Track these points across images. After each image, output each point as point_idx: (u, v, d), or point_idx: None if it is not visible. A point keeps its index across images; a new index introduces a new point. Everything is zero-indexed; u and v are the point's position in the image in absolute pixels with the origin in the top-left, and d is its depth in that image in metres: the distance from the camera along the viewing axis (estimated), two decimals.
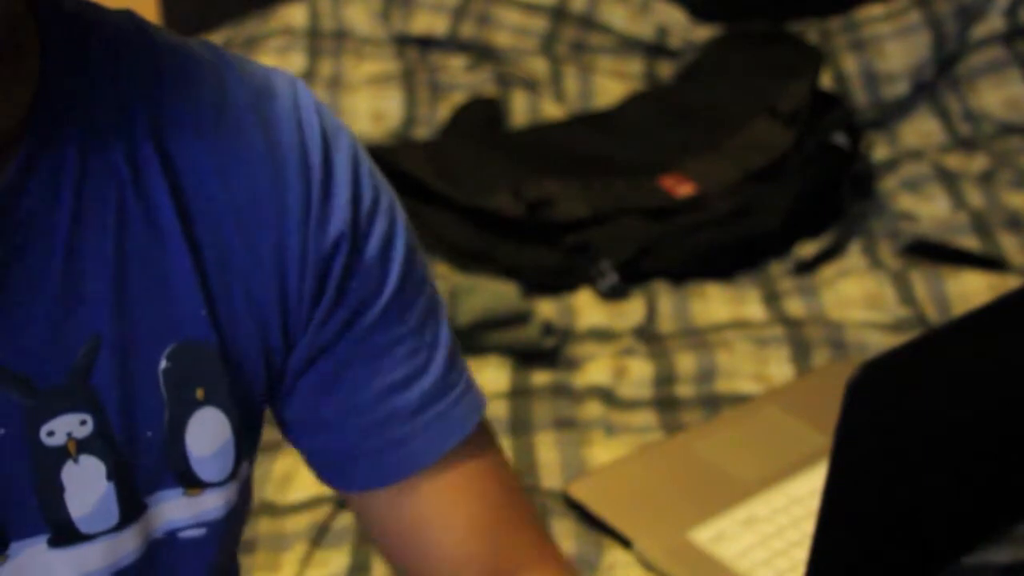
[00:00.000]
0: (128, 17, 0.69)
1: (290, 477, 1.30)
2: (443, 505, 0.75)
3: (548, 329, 1.51)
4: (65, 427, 0.65)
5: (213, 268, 0.68)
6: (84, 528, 0.67)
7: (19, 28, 0.63)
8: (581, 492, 1.24)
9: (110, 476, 0.67)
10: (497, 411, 1.39)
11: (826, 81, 1.98)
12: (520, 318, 1.49)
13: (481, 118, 1.94)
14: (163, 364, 0.67)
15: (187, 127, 0.67)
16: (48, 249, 0.64)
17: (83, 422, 0.66)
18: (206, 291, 0.67)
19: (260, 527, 1.24)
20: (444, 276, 1.66)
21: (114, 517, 0.68)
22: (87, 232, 0.65)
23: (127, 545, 0.69)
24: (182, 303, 0.67)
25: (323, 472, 0.76)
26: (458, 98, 1.99)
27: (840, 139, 1.83)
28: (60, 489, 0.66)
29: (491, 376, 1.45)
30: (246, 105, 0.69)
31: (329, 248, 0.70)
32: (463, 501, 0.75)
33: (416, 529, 0.75)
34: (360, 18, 2.09)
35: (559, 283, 1.65)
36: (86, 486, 0.66)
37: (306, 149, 0.69)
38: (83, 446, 0.66)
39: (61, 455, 0.66)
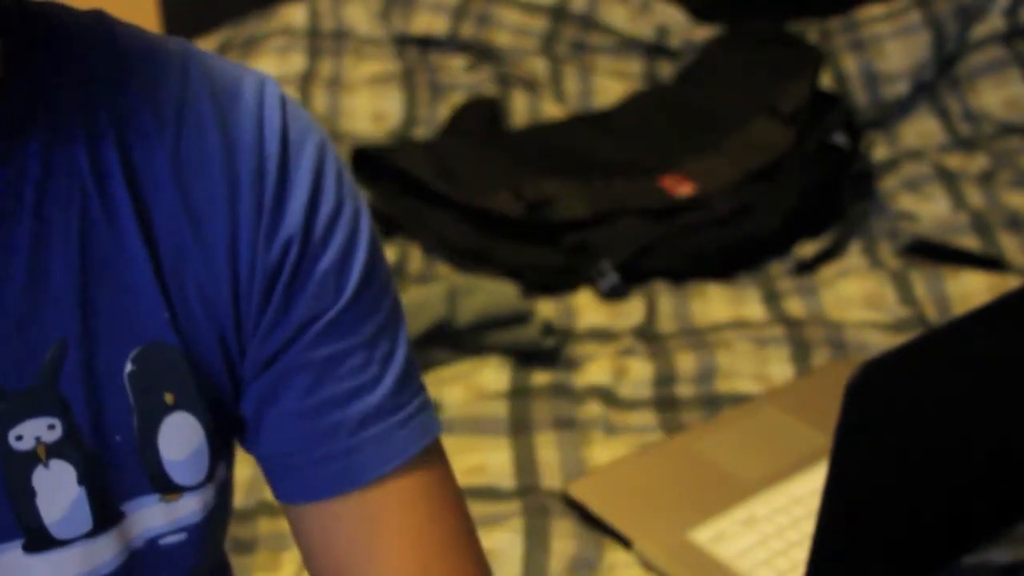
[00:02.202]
0: (96, 16, 0.69)
1: None
2: (373, 533, 0.72)
3: (548, 329, 1.51)
4: (33, 431, 0.65)
5: (171, 272, 0.67)
6: (57, 533, 0.66)
7: None
8: (581, 492, 1.24)
9: (81, 481, 0.66)
10: (497, 411, 1.39)
11: (826, 81, 1.99)
12: (520, 318, 1.49)
13: (481, 118, 1.94)
14: (128, 368, 0.66)
15: (148, 128, 0.66)
16: (12, 249, 0.64)
17: (51, 426, 0.65)
18: (166, 295, 0.67)
19: (260, 527, 1.25)
20: (444, 276, 1.66)
21: (87, 523, 0.67)
22: (51, 232, 0.64)
23: (105, 553, 0.68)
24: (144, 306, 0.66)
25: (268, 479, 0.74)
26: (458, 98, 1.99)
27: (840, 139, 1.83)
28: (31, 494, 0.65)
29: (491, 376, 1.45)
30: (208, 106, 0.68)
31: (278, 255, 0.68)
32: (395, 532, 0.72)
33: (344, 553, 0.72)
34: (360, 18, 2.09)
35: (559, 283, 1.65)
36: (57, 491, 0.66)
37: (263, 154, 0.68)
38: (53, 450, 0.65)
39: (31, 460, 0.65)
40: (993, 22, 2.01)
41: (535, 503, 1.25)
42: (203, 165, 0.67)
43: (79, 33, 0.67)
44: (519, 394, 1.43)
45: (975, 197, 1.79)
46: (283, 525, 1.25)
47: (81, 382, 0.65)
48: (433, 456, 0.74)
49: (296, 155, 0.69)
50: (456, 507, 0.75)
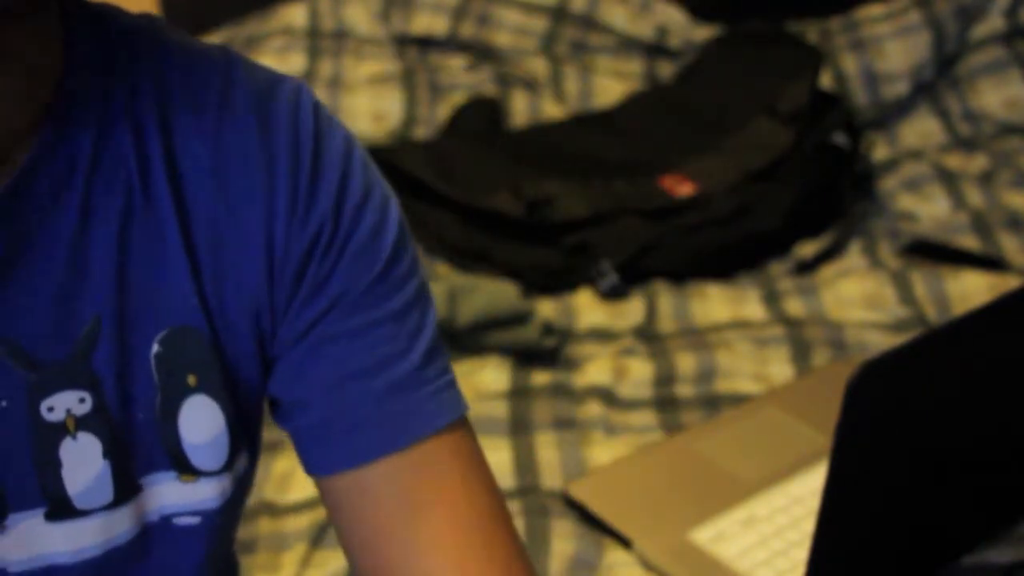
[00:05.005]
0: (147, 18, 0.73)
1: (290, 477, 1.30)
2: (406, 503, 0.74)
3: (548, 329, 1.51)
4: (64, 403, 0.68)
5: (206, 260, 0.70)
6: (79, 504, 0.69)
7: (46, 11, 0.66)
8: (581, 492, 1.24)
9: (106, 454, 0.69)
10: (497, 411, 1.39)
11: (826, 81, 1.99)
12: (520, 318, 1.49)
13: (481, 118, 1.94)
14: (155, 348, 0.70)
15: (191, 126, 0.70)
16: (58, 232, 0.67)
17: (82, 400, 0.68)
18: (198, 281, 0.70)
19: (260, 527, 1.25)
20: (444, 276, 1.66)
21: (109, 495, 0.70)
22: (95, 219, 0.68)
23: (122, 524, 0.71)
24: (175, 290, 0.70)
25: (300, 453, 0.77)
26: (458, 98, 1.99)
27: (840, 139, 1.83)
28: (58, 464, 0.68)
29: (491, 376, 1.45)
30: (248, 107, 0.71)
31: (311, 235, 0.72)
32: (429, 503, 0.74)
33: (377, 524, 0.74)
34: (360, 18, 2.09)
35: (559, 283, 1.65)
36: (83, 463, 0.69)
37: (298, 148, 0.72)
38: (81, 423, 0.68)
39: (60, 431, 0.68)
40: (993, 22, 2.01)
41: (535, 503, 1.25)
42: (242, 158, 0.71)
43: (132, 32, 0.71)
44: (519, 394, 1.43)
45: (975, 197, 1.79)
46: (283, 525, 1.25)
47: (112, 359, 0.68)
48: (463, 431, 0.77)
49: (325, 148, 0.73)
50: (489, 483, 0.78)
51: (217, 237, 0.70)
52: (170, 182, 0.69)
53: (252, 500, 1.27)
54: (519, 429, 1.37)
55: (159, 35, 0.72)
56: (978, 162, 1.88)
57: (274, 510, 1.27)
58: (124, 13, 0.73)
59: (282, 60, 2.02)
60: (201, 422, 0.71)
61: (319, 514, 1.24)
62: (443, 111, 1.98)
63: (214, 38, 2.05)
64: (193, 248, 0.70)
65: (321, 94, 1.98)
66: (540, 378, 1.46)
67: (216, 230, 0.70)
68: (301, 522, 1.24)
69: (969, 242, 1.67)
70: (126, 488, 0.70)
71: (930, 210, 1.77)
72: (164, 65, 0.71)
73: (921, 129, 1.97)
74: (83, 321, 0.68)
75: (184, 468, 0.72)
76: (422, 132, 1.96)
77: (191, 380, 0.71)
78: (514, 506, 1.25)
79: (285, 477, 1.30)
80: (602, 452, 1.33)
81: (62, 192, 0.67)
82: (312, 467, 0.76)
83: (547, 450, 1.33)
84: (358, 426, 0.73)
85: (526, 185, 1.71)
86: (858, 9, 2.10)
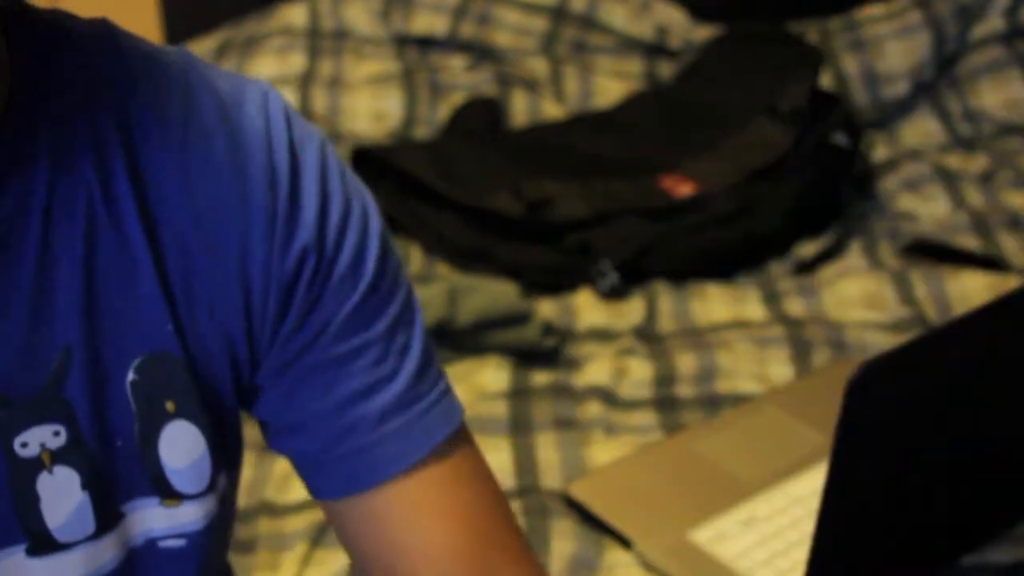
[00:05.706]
0: (102, 25, 0.69)
1: (290, 477, 1.30)
2: (413, 521, 0.73)
3: (548, 329, 1.51)
4: (38, 438, 0.66)
5: (177, 281, 0.67)
6: (61, 537, 0.67)
7: None
8: (581, 492, 1.24)
9: (85, 486, 0.67)
10: (497, 411, 1.39)
11: (826, 81, 1.98)
12: (520, 318, 1.49)
13: (481, 118, 1.94)
14: (130, 376, 0.67)
15: (155, 140, 0.67)
16: (20, 261, 0.64)
17: (56, 433, 0.66)
18: (171, 304, 0.67)
19: (260, 527, 1.25)
20: (444, 276, 1.66)
21: (90, 526, 0.68)
22: (57, 244, 0.65)
23: (106, 553, 0.69)
24: (148, 316, 0.67)
25: (302, 478, 0.75)
26: (458, 98, 1.99)
27: (840, 139, 1.83)
28: (35, 499, 0.66)
29: (491, 376, 1.45)
30: (214, 117, 0.68)
31: (294, 263, 0.69)
32: (435, 517, 0.73)
33: (385, 546, 0.74)
34: (360, 18, 2.09)
35: (559, 283, 1.65)
36: (61, 496, 0.66)
37: (274, 164, 0.68)
38: (57, 457, 0.66)
39: (35, 466, 0.66)
40: (993, 22, 2.01)
41: (535, 503, 1.25)
42: (210, 172, 0.67)
43: (86, 43, 0.67)
44: (519, 394, 1.43)
45: (975, 197, 1.79)
46: (283, 525, 1.25)
47: (86, 389, 0.66)
48: (460, 440, 0.75)
49: (302, 164, 0.69)
50: (491, 487, 0.77)
51: (188, 257, 0.67)
52: (136, 199, 0.66)
53: (252, 500, 1.27)
54: (519, 429, 1.37)
55: (114, 44, 0.68)
56: (978, 162, 1.88)
57: (274, 510, 1.27)
58: (75, 19, 0.68)
59: (282, 60, 2.02)
60: (182, 447, 0.69)
61: (319, 514, 1.24)
62: (443, 111, 1.98)
63: (214, 38, 2.05)
64: (165, 272, 0.67)
65: (321, 94, 1.98)
66: (540, 378, 1.46)
67: (187, 250, 0.67)
68: (301, 522, 1.24)
69: (969, 242, 1.67)
70: (108, 517, 0.68)
71: (930, 210, 1.77)
72: (122, 72, 0.67)
73: (921, 129, 1.97)
74: (53, 353, 0.65)
75: (166, 493, 0.70)
76: (422, 132, 1.96)
77: (169, 406, 0.68)
78: (514, 506, 1.25)
79: (285, 477, 1.30)
80: (602, 452, 1.33)
81: (22, 219, 0.64)
82: (314, 492, 0.75)
83: (547, 450, 1.33)
84: (355, 453, 0.72)
85: (526, 185, 1.71)
86: (858, 9, 2.09)
